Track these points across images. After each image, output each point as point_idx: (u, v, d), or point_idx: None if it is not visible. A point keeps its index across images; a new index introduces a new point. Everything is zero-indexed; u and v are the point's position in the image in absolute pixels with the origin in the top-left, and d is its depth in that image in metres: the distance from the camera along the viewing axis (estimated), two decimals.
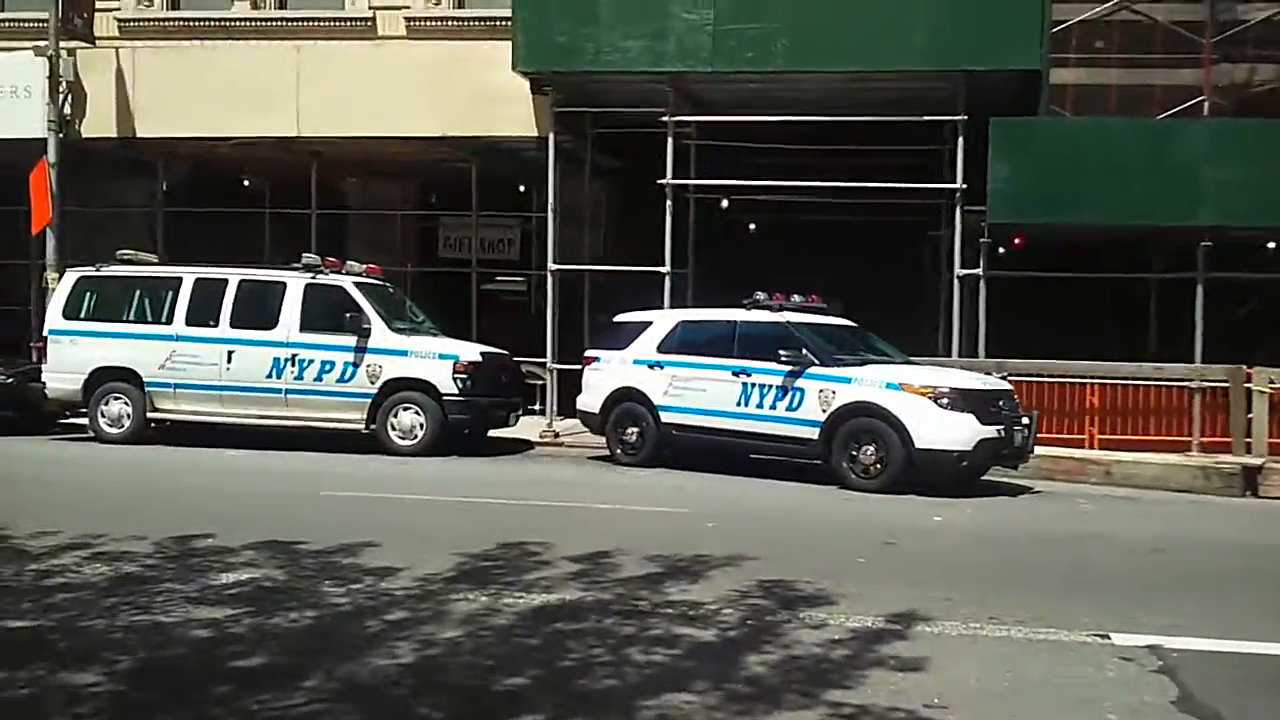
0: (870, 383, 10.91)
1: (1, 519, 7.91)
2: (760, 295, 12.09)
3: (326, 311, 12.96)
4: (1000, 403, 11.07)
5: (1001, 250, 15.12)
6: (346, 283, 13.17)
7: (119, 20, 18.02)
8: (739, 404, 11.57)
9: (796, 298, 12.22)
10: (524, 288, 19.20)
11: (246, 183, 18.09)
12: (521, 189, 18.27)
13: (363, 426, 12.80)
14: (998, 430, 10.77)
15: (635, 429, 12.34)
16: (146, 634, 5.46)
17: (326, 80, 15.74)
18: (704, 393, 11.85)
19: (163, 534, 7.54)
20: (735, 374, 11.64)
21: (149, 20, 18.24)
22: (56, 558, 6.94)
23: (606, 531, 8.23)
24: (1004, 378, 12.25)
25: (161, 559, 6.99)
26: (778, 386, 11.33)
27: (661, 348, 12.35)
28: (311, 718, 4.51)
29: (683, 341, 12.29)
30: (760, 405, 11.42)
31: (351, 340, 12.80)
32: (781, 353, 11.30)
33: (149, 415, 13.28)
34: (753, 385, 11.51)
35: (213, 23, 18.03)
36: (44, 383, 13.71)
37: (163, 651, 5.24)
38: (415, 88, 15.52)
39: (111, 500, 9.73)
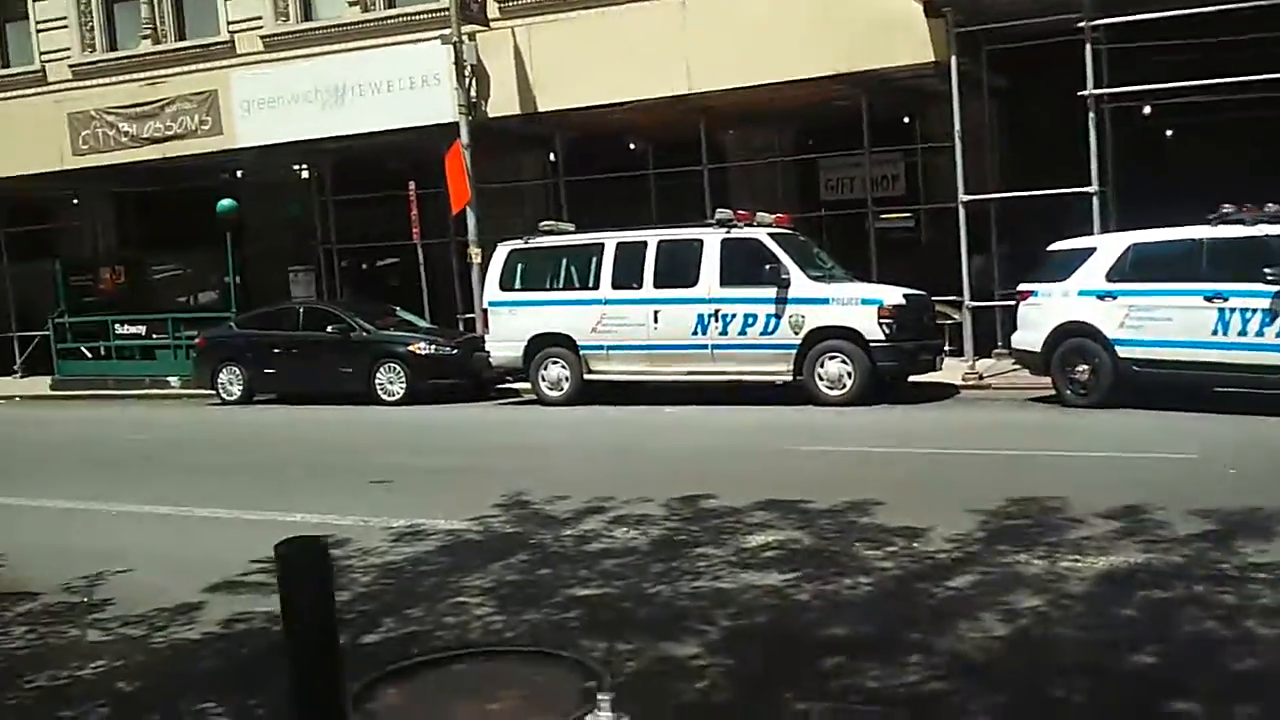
0: None
1: (509, 485, 8.38)
2: (1227, 208, 10.75)
3: (744, 265, 12.88)
4: None
5: None
6: (761, 234, 13.06)
7: (498, 1, 18.82)
8: (1214, 333, 10.38)
9: (1271, 207, 10.76)
10: (911, 224, 18.47)
11: (632, 146, 18.46)
12: (906, 120, 17.51)
13: (789, 377, 12.70)
14: None
15: (1086, 366, 11.37)
16: (717, 600, 5.50)
17: (712, 32, 15.55)
18: (1170, 322, 10.72)
19: (664, 495, 7.68)
20: (1208, 299, 10.45)
21: None
22: (582, 522, 7.23)
23: (1115, 483, 7.57)
24: None
25: (680, 521, 7.11)
26: (1265, 310, 10.07)
27: (1111, 276, 11.27)
28: (939, 696, 4.31)
29: (1136, 266, 11.16)
30: (1244, 333, 10.19)
31: (771, 292, 12.70)
32: (1267, 271, 10.02)
33: (585, 377, 13.85)
34: (1231, 311, 10.28)
35: None
36: (487, 352, 14.61)
37: (741, 620, 5.25)
38: (801, 28, 15.00)
39: (594, 461, 10.12)
